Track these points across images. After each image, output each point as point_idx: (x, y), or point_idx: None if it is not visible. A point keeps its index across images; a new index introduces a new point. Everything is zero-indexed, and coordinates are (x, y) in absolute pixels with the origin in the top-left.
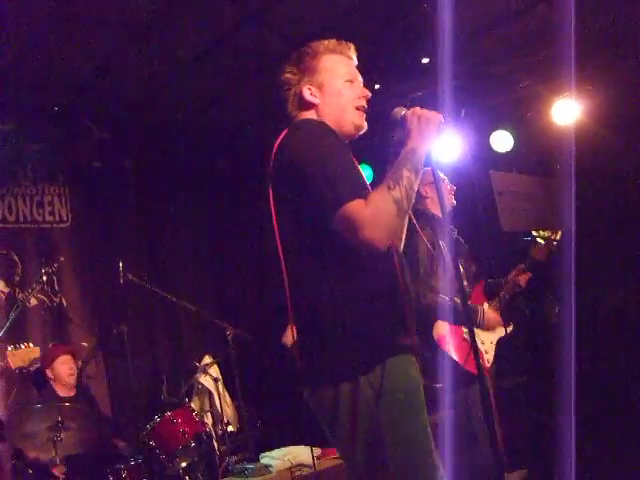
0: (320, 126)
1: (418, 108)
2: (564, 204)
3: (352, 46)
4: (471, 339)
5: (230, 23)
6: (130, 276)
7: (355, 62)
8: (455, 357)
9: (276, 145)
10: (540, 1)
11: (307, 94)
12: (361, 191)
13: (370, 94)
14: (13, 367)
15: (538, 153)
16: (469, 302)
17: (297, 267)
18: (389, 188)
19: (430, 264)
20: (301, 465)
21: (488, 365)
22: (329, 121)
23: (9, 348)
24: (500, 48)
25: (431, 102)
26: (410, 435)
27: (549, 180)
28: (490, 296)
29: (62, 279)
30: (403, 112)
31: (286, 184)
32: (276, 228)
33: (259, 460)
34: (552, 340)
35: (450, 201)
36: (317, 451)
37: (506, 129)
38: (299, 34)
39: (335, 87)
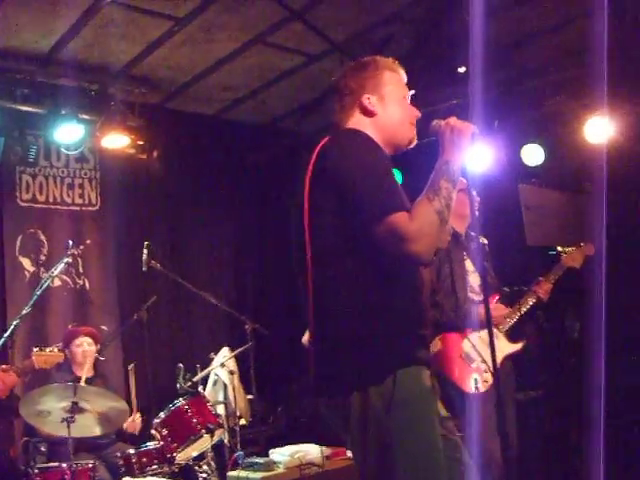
0: (365, 137)
1: (452, 119)
2: (595, 221)
3: (404, 70)
4: (492, 356)
5: (270, 21)
6: (154, 263)
7: (405, 79)
8: (449, 376)
9: (317, 149)
10: (575, 18)
11: (367, 103)
12: (403, 203)
13: (420, 114)
14: (37, 367)
15: (568, 169)
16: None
17: (325, 273)
18: (430, 200)
19: (437, 280)
20: (310, 464)
21: (487, 384)
22: (385, 132)
23: (35, 349)
24: (535, 62)
25: (466, 111)
26: (419, 448)
27: (577, 197)
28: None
29: (87, 262)
30: (437, 123)
31: (326, 189)
32: (307, 231)
33: (268, 456)
34: (572, 356)
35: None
36: (327, 451)
37: (538, 143)
38: (339, 35)
39: (396, 101)
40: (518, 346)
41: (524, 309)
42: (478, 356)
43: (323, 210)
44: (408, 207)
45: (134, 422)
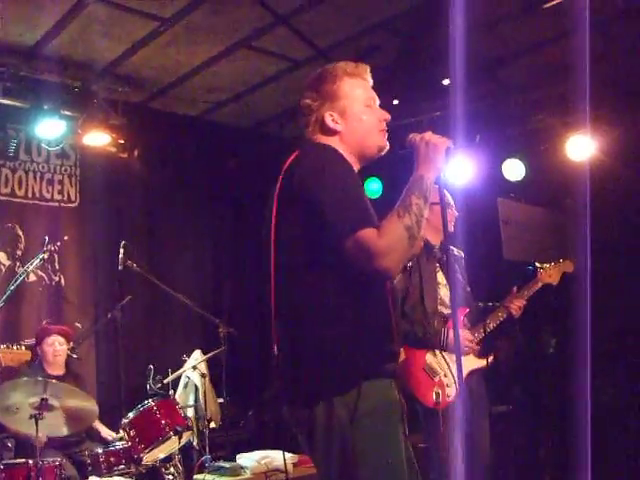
0: (333, 152)
1: (428, 133)
2: (577, 238)
3: (367, 68)
4: (458, 369)
5: (256, 25)
6: (130, 263)
7: (371, 83)
8: (410, 389)
9: (286, 164)
10: (558, 36)
11: (329, 121)
12: (372, 219)
13: (389, 117)
14: (3, 365)
15: (548, 185)
16: (444, 326)
17: (293, 285)
18: (399, 216)
19: (404, 292)
20: (277, 470)
21: (448, 400)
22: (352, 146)
23: (1, 346)
24: (518, 79)
25: (448, 124)
26: (382, 460)
27: (556, 213)
28: (475, 322)
29: (63, 258)
30: (414, 137)
31: (294, 204)
32: (273, 245)
33: (235, 460)
34: (546, 372)
35: (449, 228)
36: (294, 458)
37: (519, 158)
38: (324, 42)
39: (357, 113)
40: (483, 362)
41: (493, 325)
42: (441, 370)
43: (291, 224)
44: (376, 223)
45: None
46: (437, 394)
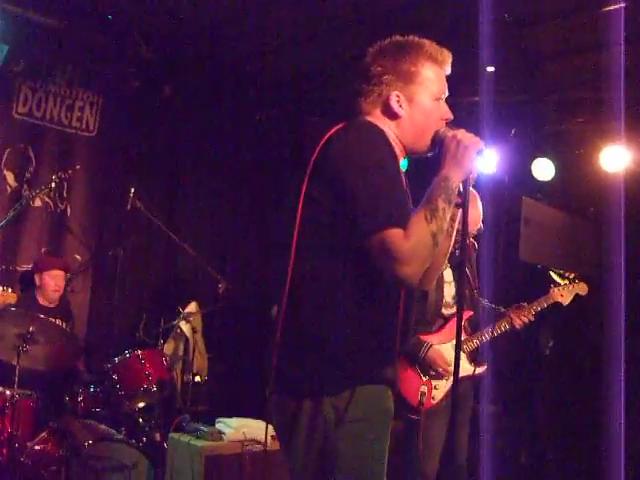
0: (380, 136)
1: (461, 131)
2: (611, 252)
3: (450, 56)
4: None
5: None
6: (139, 204)
7: (448, 73)
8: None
9: (326, 137)
10: (600, 44)
11: (394, 102)
12: (403, 217)
13: (452, 117)
14: None
15: (576, 191)
16: (442, 328)
17: (307, 267)
18: (427, 220)
19: None
20: (254, 440)
21: (433, 402)
22: (406, 136)
23: None
24: (560, 78)
25: (484, 112)
26: (362, 470)
27: (579, 221)
28: (476, 327)
29: (72, 187)
30: (444, 133)
31: (325, 183)
32: (298, 219)
33: (214, 424)
34: (540, 373)
35: (476, 226)
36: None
37: (550, 159)
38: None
39: (425, 105)
40: (479, 370)
41: (494, 335)
42: (432, 370)
43: (317, 204)
44: (405, 221)
45: None
46: (422, 394)
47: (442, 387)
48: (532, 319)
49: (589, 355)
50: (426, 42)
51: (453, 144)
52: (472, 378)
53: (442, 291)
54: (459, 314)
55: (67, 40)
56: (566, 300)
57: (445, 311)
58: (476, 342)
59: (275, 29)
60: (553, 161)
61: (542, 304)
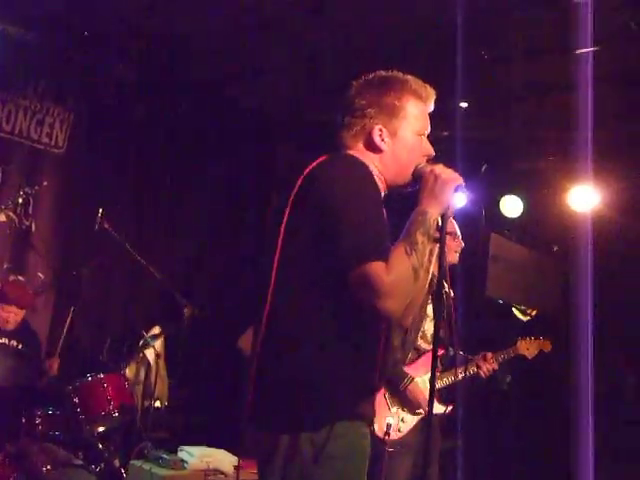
0: (364, 171)
1: (439, 167)
2: (578, 289)
3: (434, 94)
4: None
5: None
6: (106, 225)
7: (431, 110)
8: None
9: (308, 170)
10: (568, 86)
11: (377, 136)
12: (385, 251)
13: (433, 153)
14: None
15: (543, 229)
16: (415, 361)
17: (286, 300)
18: (407, 253)
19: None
20: (217, 471)
21: (398, 435)
22: (389, 170)
23: None
24: (531, 116)
25: (453, 148)
26: None
27: (544, 258)
28: (446, 366)
29: (38, 204)
30: (423, 168)
31: (308, 215)
32: (278, 252)
33: (177, 452)
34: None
35: (453, 258)
36: (237, 461)
37: (519, 196)
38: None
39: (408, 140)
40: (447, 409)
41: (461, 376)
42: (406, 404)
43: (299, 235)
44: (387, 255)
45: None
46: (388, 425)
47: (409, 421)
48: (496, 368)
49: (556, 392)
50: (410, 78)
51: (431, 178)
52: (441, 416)
53: (421, 323)
54: (434, 351)
55: (42, 54)
56: (531, 354)
57: (422, 344)
58: (445, 381)
59: (254, 54)
60: (521, 198)
61: (507, 355)
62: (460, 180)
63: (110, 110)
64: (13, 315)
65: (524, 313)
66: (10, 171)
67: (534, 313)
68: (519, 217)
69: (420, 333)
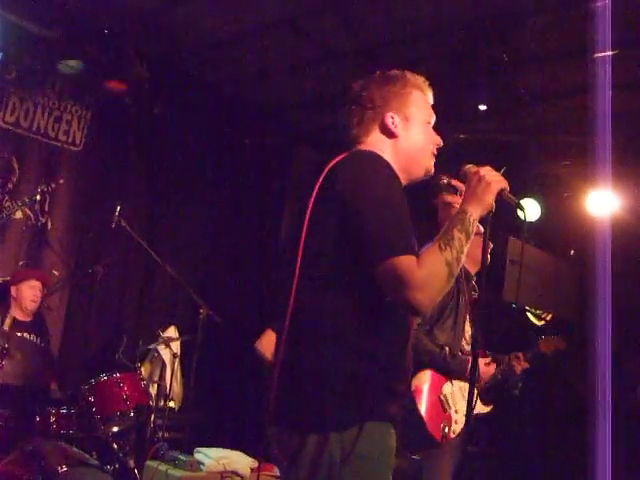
0: (385, 164)
1: (485, 168)
2: (596, 294)
3: (430, 89)
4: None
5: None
6: (123, 223)
7: (431, 102)
8: (423, 414)
9: (329, 167)
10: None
11: (390, 122)
12: (414, 246)
13: (442, 142)
14: None
15: (561, 233)
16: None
17: (310, 298)
18: (441, 249)
19: (440, 312)
20: (234, 473)
21: (452, 436)
22: (404, 157)
23: None
24: (552, 120)
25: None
26: None
27: (560, 262)
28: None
29: (55, 202)
30: (469, 168)
31: (331, 213)
32: (300, 253)
33: (193, 454)
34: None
35: (477, 265)
36: (254, 463)
37: (536, 199)
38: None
39: (420, 125)
40: (487, 409)
41: (500, 376)
42: (453, 404)
43: (323, 234)
44: (416, 251)
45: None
46: (444, 427)
47: (460, 421)
48: (528, 366)
49: (572, 400)
50: (407, 72)
51: (475, 179)
52: (481, 416)
53: (464, 323)
54: (474, 353)
55: (61, 52)
56: (550, 351)
57: (464, 345)
58: (483, 384)
59: (272, 56)
60: (539, 202)
61: (533, 353)
62: (505, 184)
63: (127, 109)
64: (39, 292)
65: (539, 318)
66: (27, 168)
67: (549, 317)
68: (537, 221)
69: (463, 333)
